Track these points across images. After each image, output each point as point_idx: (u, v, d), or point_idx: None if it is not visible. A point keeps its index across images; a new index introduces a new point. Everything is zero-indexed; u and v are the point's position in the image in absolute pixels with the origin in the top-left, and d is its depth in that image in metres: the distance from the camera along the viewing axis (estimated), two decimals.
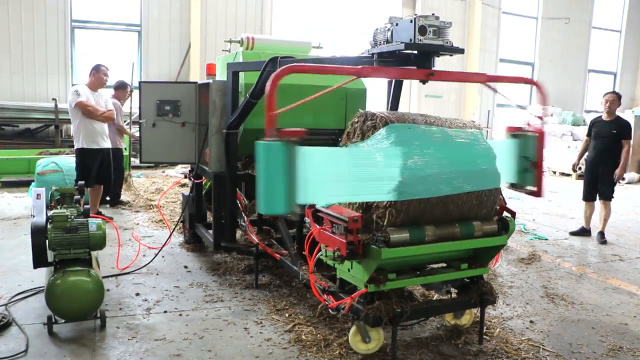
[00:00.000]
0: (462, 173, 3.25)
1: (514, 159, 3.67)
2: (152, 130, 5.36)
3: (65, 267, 3.60)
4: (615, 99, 6.91)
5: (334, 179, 2.92)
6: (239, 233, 5.37)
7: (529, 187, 3.67)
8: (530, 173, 3.64)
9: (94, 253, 3.94)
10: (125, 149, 8.37)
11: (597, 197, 6.94)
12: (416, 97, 15.71)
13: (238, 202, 4.98)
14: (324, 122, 5.29)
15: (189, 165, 6.26)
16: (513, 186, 3.75)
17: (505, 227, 3.49)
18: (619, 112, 7.34)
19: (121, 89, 8.12)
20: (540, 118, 3.66)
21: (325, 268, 3.72)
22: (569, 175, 13.53)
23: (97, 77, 6.90)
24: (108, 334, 3.64)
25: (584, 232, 7.18)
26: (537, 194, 3.65)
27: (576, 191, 11.21)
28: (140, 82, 5.55)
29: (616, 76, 19.86)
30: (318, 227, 3.32)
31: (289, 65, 2.96)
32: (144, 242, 5.90)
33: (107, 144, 6.83)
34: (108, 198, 7.87)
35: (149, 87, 5.49)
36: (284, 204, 2.65)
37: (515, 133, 3.71)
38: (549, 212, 8.68)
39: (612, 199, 6.88)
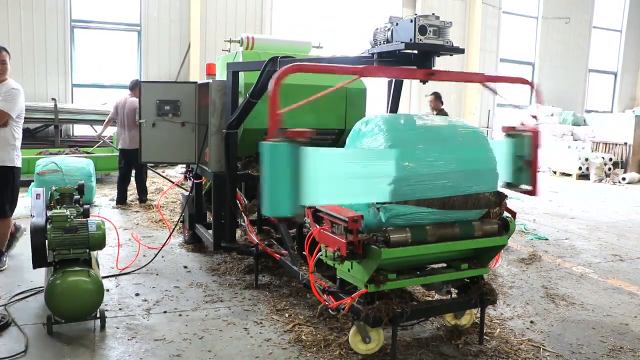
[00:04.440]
0: (460, 174, 3.25)
1: (509, 158, 3.69)
2: (152, 130, 5.36)
3: (65, 267, 3.60)
4: (432, 99, 8.53)
5: (338, 179, 2.91)
6: (239, 233, 5.37)
7: (524, 186, 3.69)
8: (525, 172, 3.67)
9: (93, 253, 3.94)
10: None
11: None
12: (416, 97, 15.70)
13: (238, 202, 4.97)
14: (324, 122, 5.28)
15: (187, 165, 6.27)
16: (509, 185, 3.76)
17: (505, 227, 3.49)
18: None
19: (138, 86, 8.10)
20: (535, 117, 3.69)
21: (325, 268, 3.71)
22: (569, 175, 13.54)
23: None
24: (108, 334, 3.64)
25: None
26: (532, 192, 3.67)
27: (577, 191, 11.23)
28: (140, 82, 5.54)
29: (616, 76, 19.85)
30: (318, 227, 3.32)
31: (290, 65, 2.94)
32: (143, 242, 5.90)
33: None
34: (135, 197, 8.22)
35: (149, 87, 5.49)
36: (289, 206, 2.60)
37: (510, 132, 3.73)
38: (549, 212, 8.67)
39: None
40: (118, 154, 8.21)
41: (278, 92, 2.68)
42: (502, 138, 3.78)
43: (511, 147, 3.71)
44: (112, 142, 9.76)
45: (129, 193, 8.79)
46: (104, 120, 11.18)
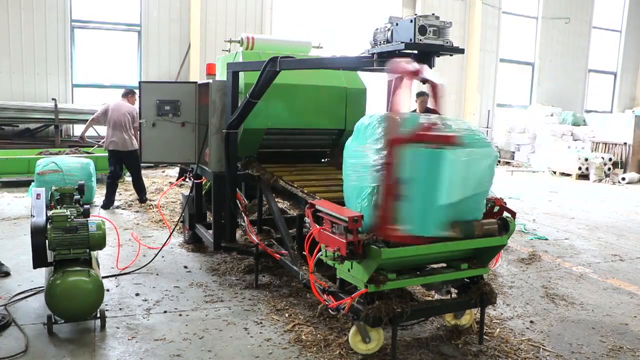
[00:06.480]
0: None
1: None
2: (152, 130, 5.36)
3: (65, 267, 3.60)
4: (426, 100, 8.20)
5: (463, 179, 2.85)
6: (239, 233, 5.37)
7: None
8: None
9: (93, 253, 3.94)
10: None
11: None
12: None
13: (238, 202, 4.98)
14: (324, 122, 5.29)
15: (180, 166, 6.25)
16: None
17: (505, 228, 3.48)
18: None
19: (131, 94, 8.03)
20: (435, 111, 3.65)
21: (325, 268, 3.71)
22: (569, 175, 13.54)
23: None
24: (108, 334, 3.64)
25: None
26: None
27: (576, 191, 11.23)
28: (140, 82, 5.55)
29: (616, 76, 19.86)
30: (318, 227, 3.32)
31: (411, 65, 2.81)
32: (144, 242, 5.90)
33: None
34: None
35: (149, 87, 5.49)
36: (444, 220, 2.35)
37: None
38: (549, 212, 8.67)
39: None
40: (108, 154, 7.98)
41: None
42: None
43: None
44: (99, 143, 9.70)
45: (128, 194, 8.81)
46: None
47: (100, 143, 10.51)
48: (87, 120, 11.61)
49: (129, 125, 7.73)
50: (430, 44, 3.20)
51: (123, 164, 8.13)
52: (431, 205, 2.34)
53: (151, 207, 7.88)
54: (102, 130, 11.75)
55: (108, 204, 7.80)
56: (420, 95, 8.29)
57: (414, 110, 8.64)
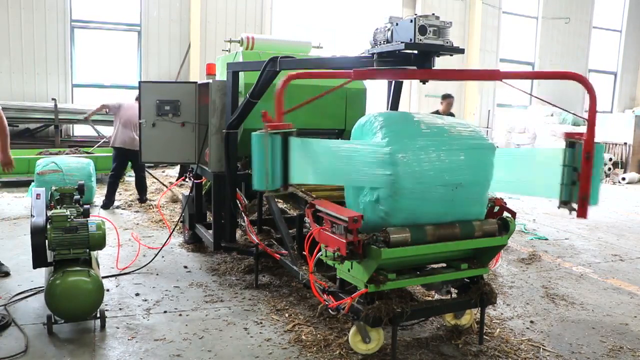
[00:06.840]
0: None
1: (562, 170, 3.19)
2: (152, 130, 5.36)
3: (65, 267, 3.60)
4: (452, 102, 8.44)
5: (317, 163, 3.19)
6: (239, 233, 5.37)
7: (574, 205, 3.13)
8: (577, 186, 3.12)
9: (93, 253, 3.95)
10: None
11: None
12: (416, 96, 15.70)
13: (238, 202, 4.98)
14: (324, 121, 5.29)
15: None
16: (563, 203, 3.20)
17: (505, 227, 3.48)
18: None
19: None
20: (590, 122, 3.12)
21: (325, 268, 3.71)
22: None
23: None
24: (108, 334, 3.64)
25: None
26: (580, 213, 3.12)
27: None
28: (139, 82, 5.54)
29: (616, 76, 19.84)
30: (318, 227, 3.32)
31: (290, 74, 3.22)
32: (144, 242, 5.90)
33: None
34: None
35: (149, 87, 5.48)
36: (270, 183, 2.95)
37: (572, 140, 3.17)
38: (549, 212, 8.67)
39: None
40: (114, 152, 7.98)
41: (282, 100, 3.10)
42: (563, 146, 3.23)
43: (566, 158, 3.18)
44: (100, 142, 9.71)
45: (128, 194, 8.81)
46: (104, 120, 11.20)
47: (101, 142, 10.53)
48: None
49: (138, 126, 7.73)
50: (430, 44, 3.20)
51: (128, 162, 8.14)
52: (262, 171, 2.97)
53: (151, 207, 7.88)
54: (102, 130, 11.80)
55: (108, 203, 7.80)
56: (447, 97, 8.33)
57: (437, 111, 8.62)
